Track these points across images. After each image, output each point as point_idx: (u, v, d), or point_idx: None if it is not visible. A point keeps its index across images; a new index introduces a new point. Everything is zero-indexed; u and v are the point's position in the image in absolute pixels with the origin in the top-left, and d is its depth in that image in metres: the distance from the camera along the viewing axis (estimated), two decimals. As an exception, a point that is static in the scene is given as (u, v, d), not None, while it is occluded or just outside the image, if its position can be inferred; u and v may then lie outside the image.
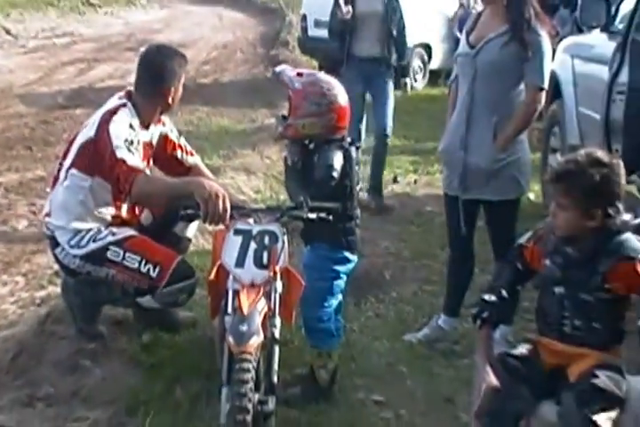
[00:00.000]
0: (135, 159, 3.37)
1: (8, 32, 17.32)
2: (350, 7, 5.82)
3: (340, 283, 3.30)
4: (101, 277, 3.52)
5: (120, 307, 3.82)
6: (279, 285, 2.86)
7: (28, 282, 4.46)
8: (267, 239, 2.91)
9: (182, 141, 3.85)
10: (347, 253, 3.28)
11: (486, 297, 2.78)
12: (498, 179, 3.60)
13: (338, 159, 3.15)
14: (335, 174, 3.12)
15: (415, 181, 6.92)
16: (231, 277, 2.88)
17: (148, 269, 3.45)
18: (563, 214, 2.59)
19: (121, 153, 3.32)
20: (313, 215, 2.99)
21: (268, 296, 2.82)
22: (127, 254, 3.47)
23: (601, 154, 2.60)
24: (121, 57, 14.44)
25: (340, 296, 3.33)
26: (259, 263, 2.87)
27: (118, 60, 14.18)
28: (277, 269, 2.86)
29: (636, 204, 3.49)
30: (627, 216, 2.60)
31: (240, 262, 2.87)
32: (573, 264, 2.61)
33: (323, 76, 3.29)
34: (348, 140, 3.28)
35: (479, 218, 3.85)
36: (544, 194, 5.85)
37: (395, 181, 6.91)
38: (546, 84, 3.57)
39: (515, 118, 3.57)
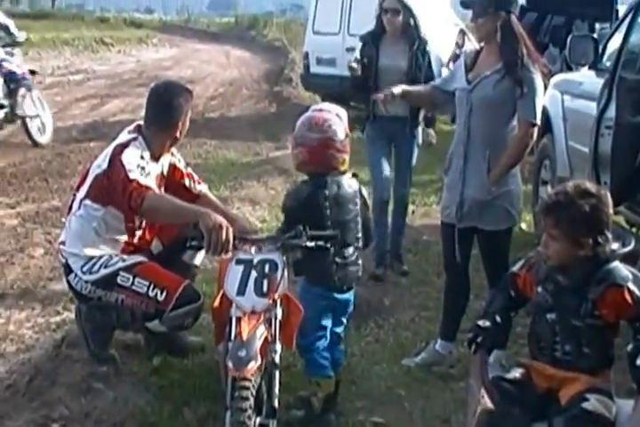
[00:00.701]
0: (147, 180, 3.48)
1: (25, 70, 17.63)
2: (357, 63, 5.17)
3: (322, 317, 3.31)
4: (112, 303, 3.62)
5: (130, 332, 3.92)
6: (279, 311, 2.93)
7: (44, 308, 4.54)
8: (267, 268, 2.97)
9: (190, 170, 3.95)
10: (323, 289, 3.30)
11: (480, 323, 2.83)
12: (491, 209, 3.69)
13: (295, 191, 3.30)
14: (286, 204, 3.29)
15: (413, 212, 6.93)
16: (234, 304, 2.95)
17: (156, 294, 3.55)
18: (554, 244, 2.65)
19: (134, 175, 3.44)
20: (311, 244, 3.06)
21: (268, 323, 2.90)
22: (136, 279, 3.57)
23: (589, 185, 2.68)
24: (132, 93, 14.65)
25: (325, 333, 3.34)
26: (259, 291, 2.93)
27: (130, 95, 14.39)
28: (277, 296, 2.93)
29: (623, 234, 3.57)
30: (615, 245, 2.67)
31: (241, 291, 2.94)
32: (564, 292, 2.68)
33: (318, 112, 3.30)
34: (349, 174, 3.33)
35: (474, 246, 3.92)
36: (535, 224, 5.93)
37: (393, 211, 6.98)
38: (538, 120, 3.65)
39: (508, 153, 3.65)
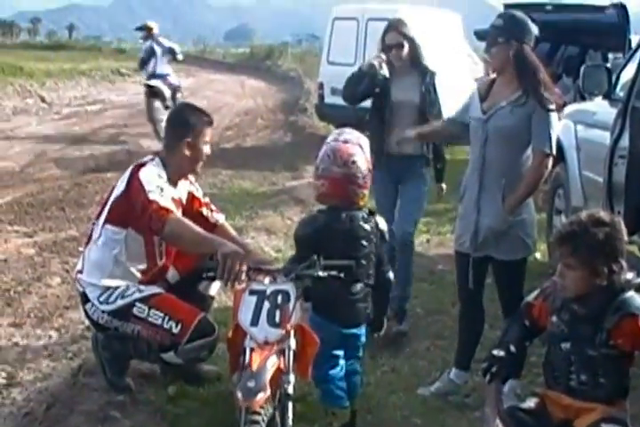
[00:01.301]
0: (167, 202, 3.49)
1: (43, 100, 17.88)
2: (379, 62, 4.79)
3: (332, 347, 3.26)
4: (128, 333, 3.64)
5: (146, 361, 3.93)
6: (293, 342, 2.92)
7: (60, 336, 4.57)
8: (280, 298, 2.96)
9: (207, 199, 3.98)
10: (329, 322, 3.27)
11: (495, 352, 2.86)
12: (506, 239, 3.69)
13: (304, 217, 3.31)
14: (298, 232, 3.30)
15: (427, 241, 7.02)
16: (248, 335, 2.95)
17: (171, 326, 3.56)
18: (570, 274, 2.67)
19: (153, 195, 3.45)
20: (324, 274, 3.06)
21: (282, 353, 2.90)
22: (152, 311, 3.60)
23: (602, 214, 2.71)
24: (149, 123, 14.83)
25: (337, 362, 3.32)
26: (272, 322, 2.92)
27: (147, 125, 14.54)
28: (289, 327, 2.92)
29: (637, 263, 3.56)
30: (630, 275, 2.69)
31: (254, 321, 2.93)
32: (580, 321, 2.69)
33: (343, 144, 3.25)
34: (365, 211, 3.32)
35: (488, 275, 3.93)
36: (550, 253, 5.92)
37: (408, 241, 6.99)
38: (553, 150, 3.66)
39: (523, 183, 3.66)
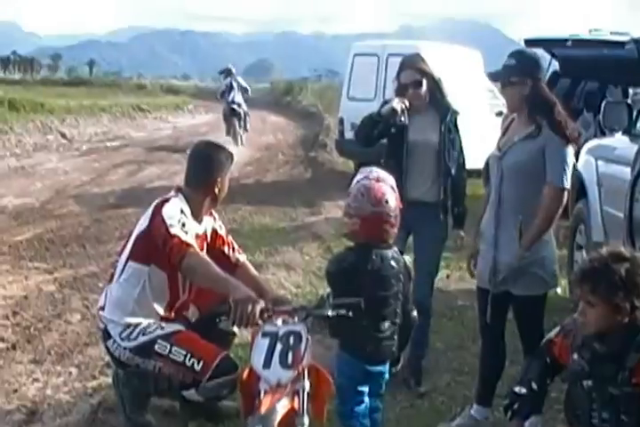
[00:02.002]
0: (188, 237, 3.51)
1: (64, 136, 18.14)
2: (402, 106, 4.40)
3: (357, 382, 3.28)
4: (149, 370, 3.64)
5: (167, 398, 3.93)
6: (307, 384, 2.89)
7: (80, 373, 4.58)
8: (292, 340, 2.94)
9: (230, 238, 3.99)
10: (355, 359, 3.27)
11: (517, 390, 2.85)
12: (524, 275, 3.66)
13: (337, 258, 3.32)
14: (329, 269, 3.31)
15: (448, 276, 6.97)
16: (261, 377, 2.92)
17: (193, 363, 3.56)
18: (592, 311, 2.66)
19: (175, 230, 3.48)
20: (333, 313, 3.03)
21: (295, 395, 2.87)
22: (174, 348, 3.59)
23: (622, 249, 2.71)
24: (169, 159, 14.98)
25: (362, 398, 3.30)
26: (284, 364, 2.89)
27: (167, 161, 14.70)
28: (302, 368, 2.89)
29: None
30: None
31: (267, 364, 2.90)
32: (601, 359, 2.68)
33: (376, 183, 3.26)
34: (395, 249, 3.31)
35: (509, 311, 3.89)
36: (571, 289, 5.85)
37: (428, 276, 6.98)
38: (567, 185, 3.63)
39: (538, 219, 3.63)
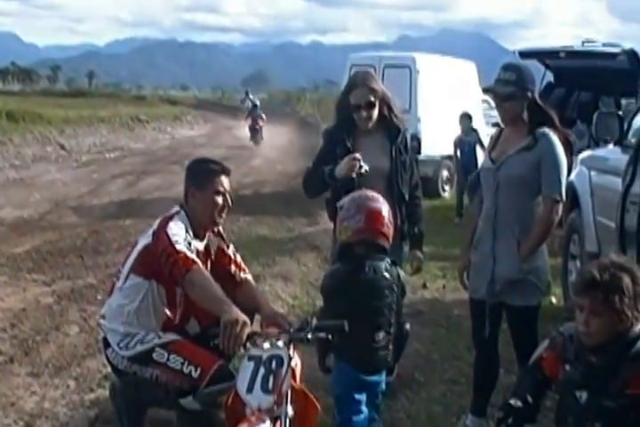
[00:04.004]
0: (193, 255, 3.51)
1: (62, 147, 18.20)
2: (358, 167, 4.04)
3: (354, 391, 3.28)
4: (146, 378, 3.64)
5: (164, 408, 3.91)
6: (289, 409, 2.82)
7: (78, 385, 4.59)
8: (274, 364, 2.89)
9: (238, 258, 3.98)
10: (351, 369, 3.28)
11: (512, 402, 2.84)
12: (521, 286, 3.69)
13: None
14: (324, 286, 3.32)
15: (444, 286, 7.02)
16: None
17: (190, 371, 3.56)
18: (596, 322, 2.64)
19: (180, 247, 3.47)
20: (313, 336, 2.98)
21: (277, 421, 2.78)
22: (171, 356, 3.60)
23: (622, 259, 2.72)
24: (167, 170, 15.02)
25: (360, 407, 3.30)
26: (265, 388, 2.84)
27: (165, 172, 14.73)
28: (283, 393, 2.83)
29: None
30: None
31: (250, 388, 2.86)
32: (596, 371, 2.68)
33: (365, 190, 3.39)
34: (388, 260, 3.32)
35: (503, 321, 3.90)
36: (565, 298, 5.92)
37: (424, 286, 7.02)
38: (562, 197, 3.66)
39: (534, 230, 3.66)
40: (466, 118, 10.91)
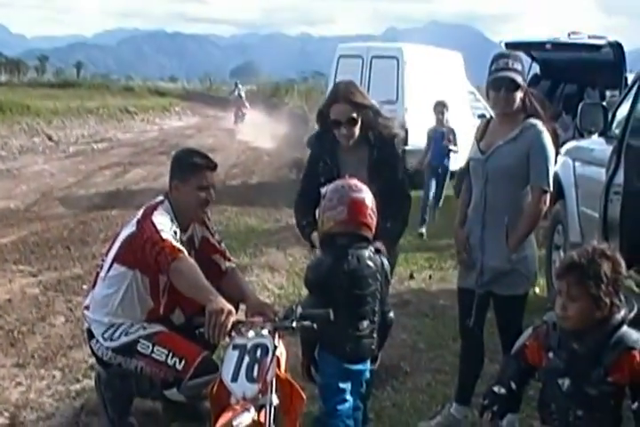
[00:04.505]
0: (179, 245, 3.52)
1: (50, 138, 18.13)
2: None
3: (339, 380, 3.28)
4: (131, 370, 3.67)
5: (149, 399, 3.94)
6: (274, 398, 2.83)
7: (64, 376, 4.58)
8: (259, 352, 2.89)
9: (222, 247, 3.99)
10: (335, 358, 3.28)
11: (496, 390, 2.85)
12: (509, 276, 3.72)
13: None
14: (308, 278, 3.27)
15: (430, 277, 7.06)
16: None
17: (175, 362, 3.58)
18: (574, 306, 2.66)
19: (166, 235, 3.49)
20: (297, 325, 2.97)
21: (262, 409, 2.79)
22: (156, 347, 3.62)
23: (605, 247, 2.73)
24: (155, 161, 14.99)
25: (345, 396, 3.30)
26: (250, 377, 2.85)
27: (152, 163, 14.70)
28: (268, 382, 2.83)
29: (628, 298, 3.57)
30: (622, 310, 2.70)
31: (235, 377, 2.86)
32: (579, 359, 2.70)
33: (348, 179, 3.32)
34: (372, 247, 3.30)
35: (489, 310, 3.92)
36: (549, 288, 5.96)
37: (411, 277, 7.07)
38: (550, 187, 3.68)
39: (523, 220, 3.68)
40: (440, 107, 9.58)
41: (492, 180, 3.72)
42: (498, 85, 3.66)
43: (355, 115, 3.80)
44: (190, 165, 3.74)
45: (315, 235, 3.69)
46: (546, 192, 3.69)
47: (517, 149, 3.67)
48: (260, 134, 19.23)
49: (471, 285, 3.82)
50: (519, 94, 3.68)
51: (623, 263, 2.70)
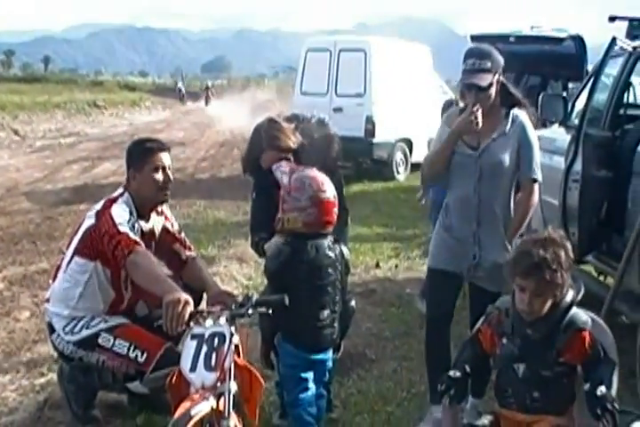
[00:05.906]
0: (136, 237, 3.51)
1: (16, 133, 17.96)
2: None
3: (299, 370, 3.31)
4: (93, 363, 3.66)
5: (113, 392, 3.94)
6: (233, 385, 2.81)
7: (28, 370, 4.55)
8: (216, 341, 2.89)
9: (182, 236, 3.98)
10: (295, 348, 3.30)
11: (452, 374, 2.87)
12: (500, 271, 3.55)
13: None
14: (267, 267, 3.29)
15: (396, 266, 7.10)
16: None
17: (136, 355, 3.59)
18: (539, 300, 2.69)
19: (124, 228, 3.48)
20: (254, 311, 2.99)
21: (221, 397, 2.78)
22: (117, 341, 3.62)
23: (556, 235, 2.75)
24: (123, 155, 14.80)
25: (307, 385, 3.33)
26: (208, 366, 2.85)
27: (121, 157, 14.41)
28: (226, 369, 2.82)
29: (577, 279, 3.56)
30: (570, 292, 2.76)
31: (193, 367, 2.86)
32: (533, 344, 2.75)
33: (311, 172, 3.29)
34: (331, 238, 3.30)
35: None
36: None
37: (377, 266, 7.11)
38: (539, 176, 3.66)
39: (519, 213, 3.67)
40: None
41: (487, 176, 3.64)
42: (468, 89, 3.63)
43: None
44: (142, 151, 3.74)
45: (267, 245, 3.71)
46: (536, 181, 3.67)
47: (509, 143, 3.64)
48: (241, 140, 19.10)
49: (456, 269, 3.74)
50: (492, 90, 3.62)
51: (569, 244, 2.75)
